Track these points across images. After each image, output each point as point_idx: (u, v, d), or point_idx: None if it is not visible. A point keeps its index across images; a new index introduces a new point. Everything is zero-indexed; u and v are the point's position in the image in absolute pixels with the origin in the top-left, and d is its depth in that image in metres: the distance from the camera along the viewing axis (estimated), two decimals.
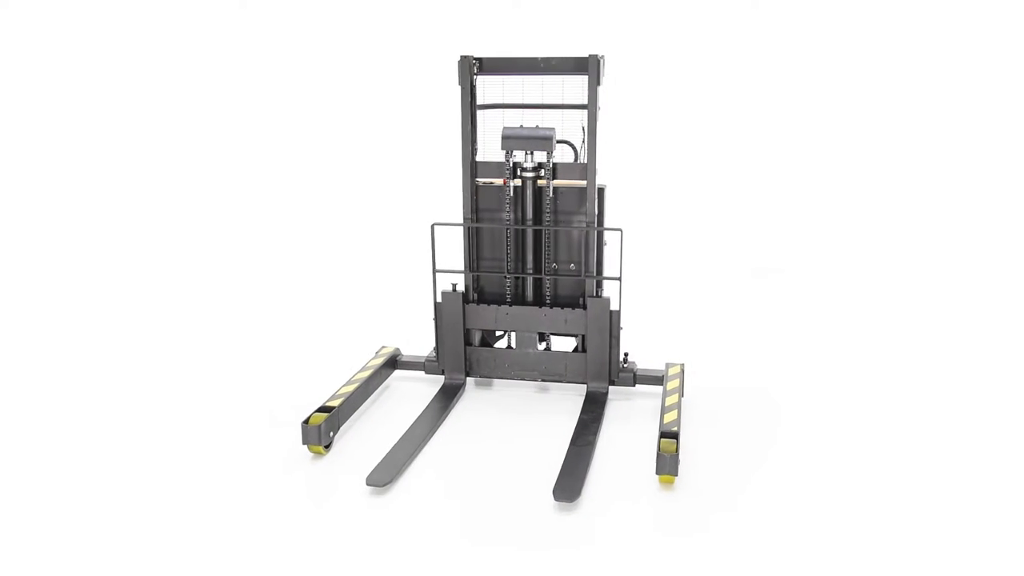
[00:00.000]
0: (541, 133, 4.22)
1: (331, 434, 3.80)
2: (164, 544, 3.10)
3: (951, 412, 4.23)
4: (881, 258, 6.73)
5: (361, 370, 4.33)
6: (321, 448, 3.76)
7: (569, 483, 3.44)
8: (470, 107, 4.29)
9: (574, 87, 4.24)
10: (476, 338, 4.52)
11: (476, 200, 4.39)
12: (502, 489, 3.48)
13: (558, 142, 4.32)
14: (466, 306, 4.42)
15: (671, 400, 3.93)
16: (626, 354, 4.45)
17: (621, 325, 4.33)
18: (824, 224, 7.24)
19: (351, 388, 4.10)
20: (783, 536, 3.16)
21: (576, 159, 4.40)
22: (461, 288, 4.43)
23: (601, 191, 4.31)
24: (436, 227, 4.36)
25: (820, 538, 3.16)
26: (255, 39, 7.89)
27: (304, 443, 3.72)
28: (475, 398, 4.42)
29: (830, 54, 7.42)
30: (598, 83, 4.12)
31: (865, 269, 6.53)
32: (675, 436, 3.55)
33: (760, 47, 7.44)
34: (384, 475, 3.51)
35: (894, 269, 6.50)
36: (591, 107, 4.14)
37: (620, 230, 4.24)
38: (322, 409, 3.84)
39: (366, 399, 4.26)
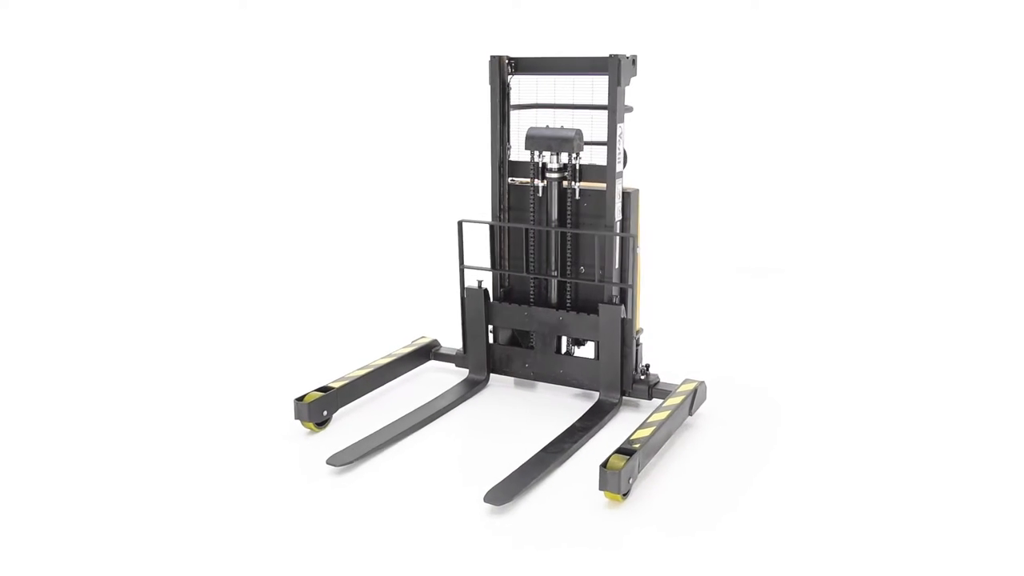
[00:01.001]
0: (562, 134, 4.16)
1: (323, 412, 4.01)
2: (120, 499, 3.46)
3: (953, 413, 4.19)
4: (881, 258, 6.79)
5: (383, 356, 4.52)
6: (312, 425, 4.00)
7: (508, 487, 3.40)
8: (500, 107, 4.33)
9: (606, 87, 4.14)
10: (505, 336, 4.55)
11: (508, 199, 4.42)
12: (451, 486, 3.51)
13: (601, 144, 4.26)
14: (492, 303, 4.47)
15: (657, 416, 3.74)
16: (647, 365, 4.28)
17: (637, 335, 4.18)
18: (824, 224, 7.29)
19: (361, 372, 4.30)
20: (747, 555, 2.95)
21: (624, 162, 4.30)
22: (487, 285, 4.48)
23: (628, 195, 4.18)
24: (463, 224, 4.46)
25: (815, 550, 3.06)
26: (273, 39, 8.23)
27: (296, 418, 3.97)
28: (493, 395, 4.46)
29: (829, 54, 7.47)
30: (618, 84, 4.00)
31: (865, 269, 6.59)
32: (630, 453, 3.39)
33: (760, 47, 7.55)
34: (345, 457, 3.67)
35: (894, 269, 6.56)
36: (611, 107, 4.03)
37: (632, 236, 4.10)
38: (322, 388, 4.07)
39: (382, 384, 4.42)
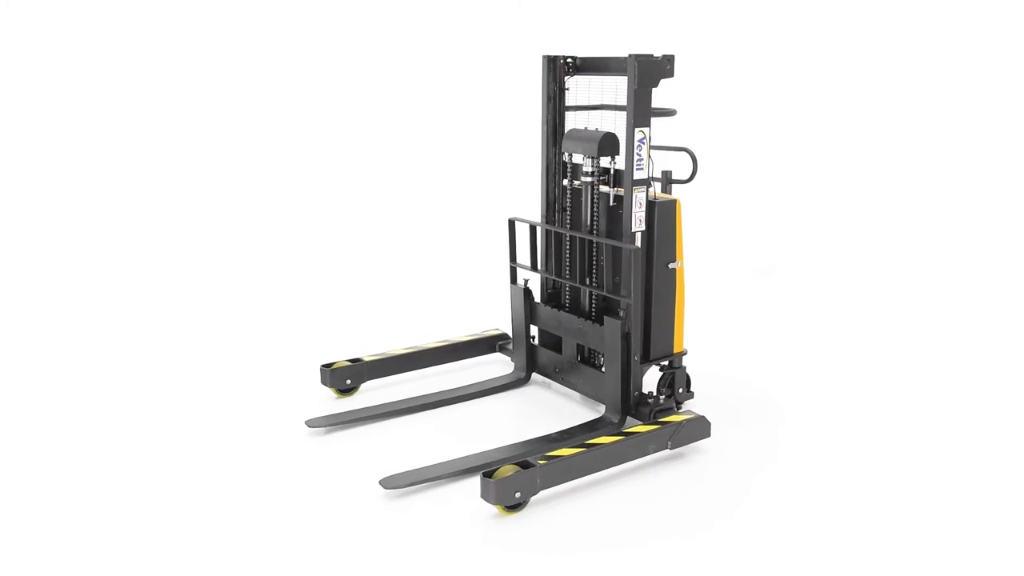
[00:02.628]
0: (588, 136, 4.04)
1: (347, 381, 4.38)
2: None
3: (955, 414, 4.20)
4: (882, 258, 6.79)
5: (436, 341, 4.75)
6: (336, 391, 4.39)
7: (410, 476, 3.47)
8: (551, 107, 4.29)
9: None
10: (551, 337, 4.50)
11: (556, 201, 4.38)
12: (376, 466, 3.62)
13: (677, 149, 4.09)
14: (536, 304, 4.47)
15: (602, 439, 3.51)
16: (661, 394, 4.00)
17: (676, 357, 4.05)
18: (824, 224, 7.30)
19: (400, 351, 4.58)
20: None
21: (694, 170, 4.07)
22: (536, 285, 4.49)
23: (654, 205, 3.91)
24: (514, 223, 4.51)
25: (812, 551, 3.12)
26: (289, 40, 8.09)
27: (321, 383, 4.40)
28: (518, 394, 4.46)
29: (829, 55, 7.55)
30: (637, 85, 3.76)
31: (866, 269, 6.61)
32: (528, 467, 3.27)
33: (766, 49, 7.61)
34: (321, 421, 4.01)
35: (895, 269, 6.57)
36: (628, 110, 3.80)
37: (637, 247, 3.83)
38: (352, 360, 4.45)
39: (428, 365, 4.65)
